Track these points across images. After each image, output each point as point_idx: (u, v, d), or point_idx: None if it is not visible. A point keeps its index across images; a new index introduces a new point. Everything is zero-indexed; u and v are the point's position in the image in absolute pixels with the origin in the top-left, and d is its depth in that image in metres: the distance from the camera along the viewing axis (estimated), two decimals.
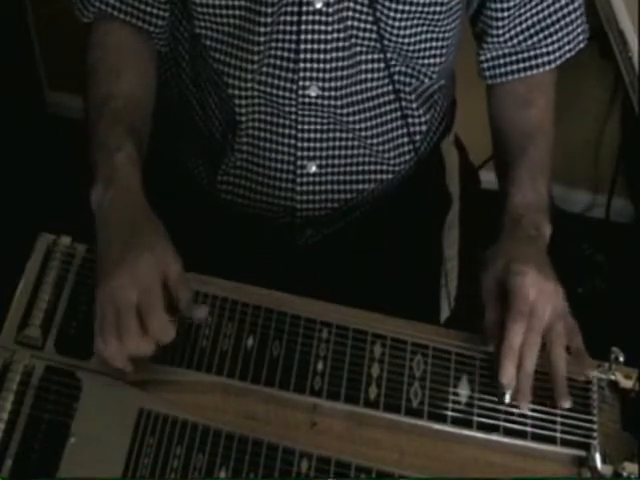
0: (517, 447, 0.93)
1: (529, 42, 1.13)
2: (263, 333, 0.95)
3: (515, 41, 1.12)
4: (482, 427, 0.93)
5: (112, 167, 0.97)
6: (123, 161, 0.97)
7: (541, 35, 1.12)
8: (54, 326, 0.95)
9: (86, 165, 0.99)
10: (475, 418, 0.93)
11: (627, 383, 0.97)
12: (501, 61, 1.14)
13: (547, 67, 1.14)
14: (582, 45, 1.15)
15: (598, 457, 0.92)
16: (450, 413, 0.93)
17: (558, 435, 0.93)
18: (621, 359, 0.97)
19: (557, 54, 1.14)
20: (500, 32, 1.12)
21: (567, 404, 0.94)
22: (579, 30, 1.14)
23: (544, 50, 1.13)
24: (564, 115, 2.14)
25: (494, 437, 0.93)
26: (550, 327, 0.95)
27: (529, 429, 0.93)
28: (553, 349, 0.95)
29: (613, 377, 0.97)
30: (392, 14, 1.04)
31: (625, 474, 0.91)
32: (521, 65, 1.14)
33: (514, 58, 1.14)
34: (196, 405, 0.92)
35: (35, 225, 1.02)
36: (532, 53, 1.13)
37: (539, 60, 1.13)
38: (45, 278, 0.97)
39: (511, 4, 1.10)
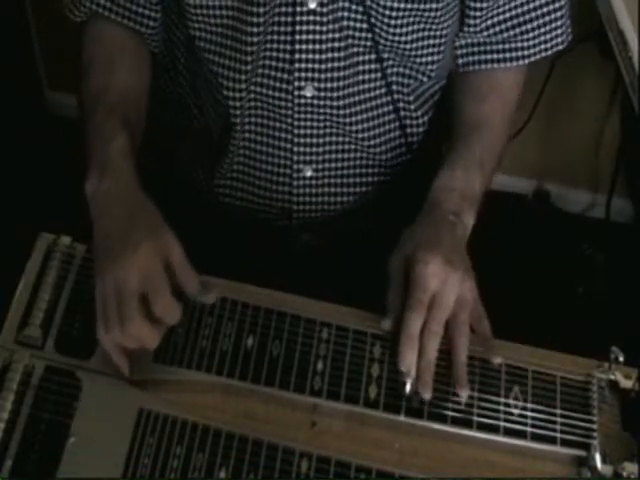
0: (517, 447, 0.93)
1: (505, 35, 1.12)
2: (263, 333, 0.95)
3: (491, 32, 1.12)
4: (482, 427, 0.93)
5: (106, 157, 0.97)
6: (117, 152, 0.98)
7: (518, 30, 1.12)
8: (54, 326, 0.95)
9: (86, 165, 1.00)
10: (475, 418, 0.93)
11: (627, 383, 0.97)
12: (475, 49, 1.15)
13: (520, 62, 1.14)
14: (561, 47, 1.15)
15: (598, 457, 0.92)
16: (450, 413, 0.93)
17: (558, 435, 0.93)
18: (621, 359, 0.97)
19: (531, 51, 1.13)
20: (477, 22, 1.12)
21: (464, 393, 0.93)
22: (559, 31, 1.13)
23: (518, 45, 1.13)
24: (564, 115, 2.15)
25: (494, 437, 0.93)
26: (454, 316, 0.95)
27: (529, 429, 0.93)
28: (455, 337, 0.94)
29: (613, 377, 0.97)
30: (387, 13, 1.04)
31: (625, 474, 0.91)
32: (495, 56, 1.14)
33: (487, 48, 1.14)
34: (196, 405, 0.92)
35: (35, 225, 1.02)
36: (506, 46, 1.13)
37: (513, 54, 1.13)
38: (45, 278, 0.97)
39: None
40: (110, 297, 0.89)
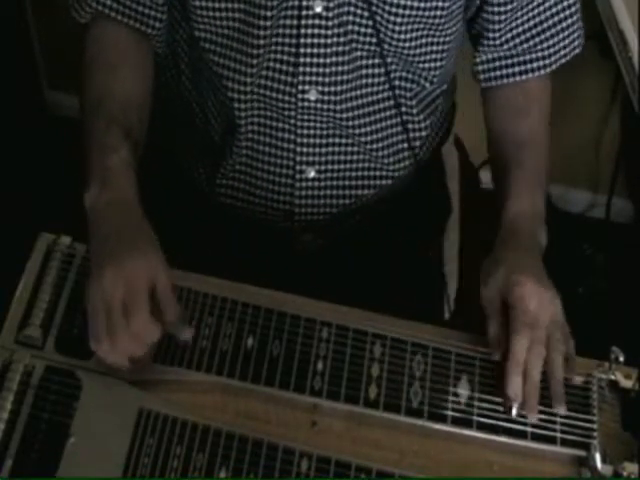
0: (517, 447, 0.93)
1: (525, 46, 1.13)
2: (263, 333, 0.95)
3: (511, 44, 1.13)
4: (482, 427, 0.93)
5: (107, 169, 0.96)
6: (118, 164, 0.97)
7: (537, 39, 1.12)
8: (54, 326, 0.95)
9: (84, 170, 0.99)
10: (475, 418, 0.93)
11: (627, 383, 0.97)
12: (497, 64, 1.15)
13: (542, 71, 1.14)
14: (577, 50, 1.15)
15: (598, 457, 0.92)
16: (450, 413, 0.93)
17: (558, 435, 0.93)
18: (621, 359, 0.97)
19: (553, 58, 1.14)
20: (496, 35, 1.12)
21: (563, 410, 0.94)
22: (575, 35, 1.14)
23: (540, 54, 1.13)
24: (564, 115, 2.14)
25: (494, 437, 0.93)
26: (549, 335, 0.95)
27: (529, 429, 0.93)
28: (552, 356, 0.95)
29: (613, 377, 0.97)
30: (392, 18, 1.04)
31: (625, 474, 0.91)
32: (516, 69, 1.14)
33: (509, 62, 1.14)
34: (196, 405, 0.92)
35: (35, 225, 1.02)
36: (527, 57, 1.13)
37: (534, 64, 1.13)
38: (45, 278, 0.97)
39: (508, 8, 1.10)
40: (98, 311, 0.89)
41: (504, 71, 1.14)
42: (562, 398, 0.94)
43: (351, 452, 0.91)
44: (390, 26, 1.05)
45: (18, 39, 2.13)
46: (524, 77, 1.14)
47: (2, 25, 2.03)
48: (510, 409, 0.94)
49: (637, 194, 2.17)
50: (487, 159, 1.83)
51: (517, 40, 1.12)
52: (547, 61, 1.14)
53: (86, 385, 0.91)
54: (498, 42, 1.12)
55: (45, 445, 0.89)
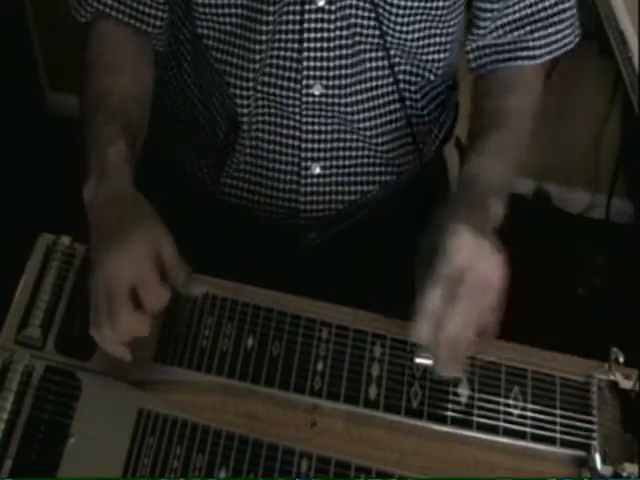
0: (517, 447, 0.93)
1: (515, 34, 1.12)
2: (263, 333, 0.96)
3: (500, 32, 1.12)
4: (482, 427, 0.93)
5: (104, 163, 0.96)
6: (115, 157, 0.97)
7: (527, 29, 1.12)
8: (54, 326, 0.95)
9: (84, 167, 0.99)
10: (475, 418, 0.93)
11: (627, 383, 0.97)
12: (486, 51, 1.14)
13: (531, 62, 1.13)
14: (569, 47, 1.15)
15: (598, 458, 0.92)
16: (450, 413, 0.93)
17: (558, 436, 0.93)
18: (621, 359, 0.97)
19: (543, 50, 1.13)
20: (487, 23, 1.11)
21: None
22: (568, 31, 1.13)
23: (530, 44, 1.12)
24: (564, 115, 2.15)
25: (494, 437, 0.93)
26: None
27: (529, 429, 0.93)
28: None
29: (613, 378, 0.97)
30: (394, 10, 1.04)
31: (625, 474, 0.91)
32: (506, 56, 1.13)
33: (499, 49, 1.13)
34: (196, 405, 0.92)
35: (35, 225, 1.02)
36: (518, 46, 1.13)
37: (524, 53, 1.13)
38: (45, 278, 0.97)
39: None
40: (100, 293, 0.88)
41: (494, 57, 1.14)
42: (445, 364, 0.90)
43: (351, 452, 0.91)
44: (392, 18, 1.05)
45: (18, 39, 2.13)
46: (512, 64, 1.13)
47: (2, 25, 2.03)
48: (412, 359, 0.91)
49: (637, 194, 2.17)
50: None
51: (507, 28, 1.12)
52: (537, 52, 1.13)
53: (86, 385, 0.91)
54: (488, 30, 1.12)
55: (45, 445, 0.89)
